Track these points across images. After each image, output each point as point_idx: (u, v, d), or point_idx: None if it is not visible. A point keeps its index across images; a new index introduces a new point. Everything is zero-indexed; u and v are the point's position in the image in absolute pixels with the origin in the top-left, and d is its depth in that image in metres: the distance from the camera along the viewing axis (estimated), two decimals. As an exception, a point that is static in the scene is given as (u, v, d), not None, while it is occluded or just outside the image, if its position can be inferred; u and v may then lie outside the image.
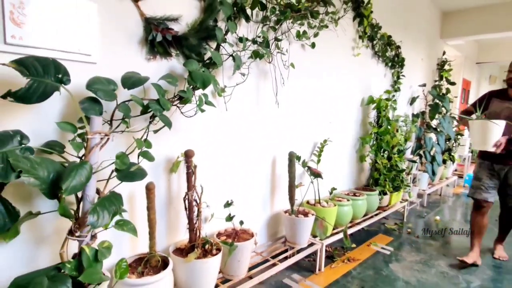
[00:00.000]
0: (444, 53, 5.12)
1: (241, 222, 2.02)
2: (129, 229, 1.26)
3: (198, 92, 1.71)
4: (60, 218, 1.29)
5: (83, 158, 1.19)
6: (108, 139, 1.22)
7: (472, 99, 7.48)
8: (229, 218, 1.94)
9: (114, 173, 1.27)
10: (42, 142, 1.24)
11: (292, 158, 2.32)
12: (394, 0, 3.70)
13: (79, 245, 1.18)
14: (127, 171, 1.29)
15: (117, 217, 1.25)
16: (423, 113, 4.46)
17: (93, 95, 1.24)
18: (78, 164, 1.08)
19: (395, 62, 3.78)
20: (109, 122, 1.34)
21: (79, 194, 1.20)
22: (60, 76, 1.12)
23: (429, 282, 2.30)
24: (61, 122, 1.16)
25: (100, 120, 1.21)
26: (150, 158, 1.42)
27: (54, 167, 1.09)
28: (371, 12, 3.08)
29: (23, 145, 1.10)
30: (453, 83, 4.84)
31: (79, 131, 1.21)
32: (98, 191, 1.24)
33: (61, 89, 1.13)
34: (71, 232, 1.16)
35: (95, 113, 1.24)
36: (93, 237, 1.23)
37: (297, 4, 2.20)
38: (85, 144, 1.19)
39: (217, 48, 1.80)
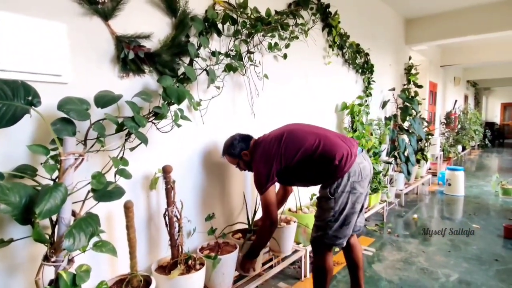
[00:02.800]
0: (410, 58, 5.38)
1: (224, 235, 2.01)
2: (108, 250, 1.23)
3: (174, 107, 1.72)
4: (35, 244, 1.25)
5: (57, 180, 1.16)
6: (82, 159, 1.20)
7: (439, 100, 7.87)
8: (211, 231, 1.94)
9: (91, 194, 1.25)
10: (13, 166, 1.21)
11: (271, 167, 2.34)
12: (360, 10, 3.88)
13: (55, 270, 1.14)
14: (104, 191, 1.27)
15: (95, 239, 1.22)
16: (395, 116, 4.65)
17: (65, 115, 1.22)
18: (52, 187, 1.06)
19: (365, 69, 3.94)
20: (83, 142, 1.32)
21: (54, 218, 1.17)
22: (30, 98, 1.11)
23: (410, 279, 2.37)
24: (32, 145, 1.14)
25: (74, 141, 1.19)
26: (127, 176, 1.41)
27: (26, 192, 1.06)
28: (339, 22, 3.21)
29: (-8, 171, 1.07)
30: (420, 86, 5.09)
31: (52, 153, 1.19)
32: (74, 213, 1.22)
33: (32, 112, 1.12)
34: (46, 258, 1.12)
35: (68, 133, 1.22)
36: (70, 261, 1.19)
37: (267, 17, 2.27)
38: (58, 166, 1.17)
39: (191, 63, 1.83)
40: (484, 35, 4.79)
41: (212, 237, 2.00)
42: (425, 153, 5.19)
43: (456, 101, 8.90)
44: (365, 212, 3.49)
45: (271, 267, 2.25)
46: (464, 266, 2.59)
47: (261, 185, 1.77)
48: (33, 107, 1.12)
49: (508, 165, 8.09)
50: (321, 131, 1.87)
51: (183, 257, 1.67)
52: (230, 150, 1.92)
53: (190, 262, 1.68)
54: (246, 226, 2.25)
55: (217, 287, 1.84)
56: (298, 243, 2.50)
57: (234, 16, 2.08)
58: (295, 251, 2.41)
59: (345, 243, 1.80)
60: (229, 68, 2.01)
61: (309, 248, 2.46)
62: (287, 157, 1.76)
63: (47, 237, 1.15)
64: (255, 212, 2.29)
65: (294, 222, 2.39)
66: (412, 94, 4.96)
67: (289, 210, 2.66)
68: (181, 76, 1.77)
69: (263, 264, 2.24)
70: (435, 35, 5.17)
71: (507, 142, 14.40)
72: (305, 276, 2.39)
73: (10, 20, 1.19)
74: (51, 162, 1.19)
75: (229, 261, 1.84)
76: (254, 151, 1.88)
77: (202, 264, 1.69)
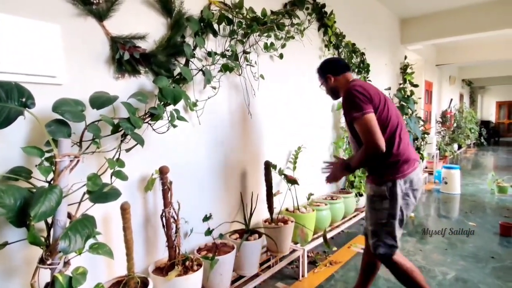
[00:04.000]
0: (405, 57, 5.41)
1: (221, 235, 2.01)
2: (105, 252, 1.22)
3: (170, 108, 1.71)
4: (30, 246, 1.24)
5: (52, 182, 1.15)
6: (78, 161, 1.19)
7: (435, 99, 7.91)
8: (209, 232, 1.93)
9: (86, 196, 1.24)
10: (7, 168, 1.19)
11: (268, 167, 2.35)
12: (355, 10, 3.89)
13: (51, 273, 1.13)
14: (100, 192, 1.26)
15: (91, 241, 1.22)
16: (391, 115, 4.66)
17: (60, 117, 1.21)
18: (47, 189, 1.05)
19: (361, 68, 3.95)
20: (78, 144, 1.31)
21: (50, 220, 1.16)
22: (24, 100, 1.10)
23: (408, 278, 2.38)
24: (26, 146, 1.13)
25: (69, 142, 1.18)
26: (123, 177, 1.40)
27: (21, 194, 1.05)
28: (335, 22, 3.22)
29: (-14, 174, 1.06)
30: (416, 85, 5.11)
31: (47, 155, 1.18)
32: (70, 215, 1.21)
33: (26, 113, 1.11)
34: (42, 261, 1.11)
35: (63, 135, 1.21)
36: (66, 263, 1.18)
37: (263, 18, 2.27)
38: (53, 168, 1.16)
39: (187, 63, 1.82)
40: (479, 34, 4.83)
41: (210, 237, 2.00)
42: (421, 152, 5.21)
43: (451, 100, 8.95)
44: (362, 211, 3.50)
45: (269, 267, 2.25)
46: (461, 264, 2.60)
47: (357, 107, 1.57)
48: (27, 108, 1.11)
49: (504, 163, 8.15)
50: (403, 126, 1.74)
51: (180, 258, 1.67)
52: (320, 70, 1.93)
53: (187, 263, 1.68)
54: (244, 227, 2.25)
55: (215, 287, 1.83)
56: (295, 243, 2.50)
57: (230, 16, 2.07)
58: (293, 251, 2.41)
59: (398, 246, 1.69)
60: (225, 68, 2.01)
61: (307, 247, 2.47)
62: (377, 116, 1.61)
63: (43, 239, 1.14)
64: (251, 214, 2.29)
65: (292, 222, 2.39)
66: (408, 93, 4.98)
67: (287, 210, 2.66)
68: (177, 77, 1.77)
69: (261, 264, 2.24)
70: (431, 34, 5.21)
71: (503, 140, 14.50)
72: (303, 275, 2.39)
73: (3, 21, 1.18)
74: (46, 164, 1.18)
75: (226, 262, 1.83)
76: (345, 82, 1.79)
77: (199, 265, 1.69)
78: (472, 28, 4.80)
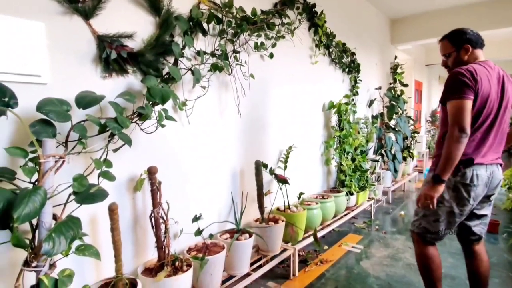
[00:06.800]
0: (395, 57, 5.47)
1: (211, 236, 2.00)
2: (91, 253, 1.21)
3: (158, 107, 1.70)
4: (14, 249, 1.22)
5: (36, 183, 1.13)
6: (63, 161, 1.17)
7: (424, 99, 8.01)
8: (198, 232, 1.92)
9: (72, 197, 1.22)
10: (-11, 170, 1.17)
11: (259, 166, 2.35)
12: (345, 10, 3.92)
13: (36, 276, 1.11)
14: (86, 193, 1.25)
15: (77, 242, 1.20)
16: (381, 114, 4.71)
17: (44, 117, 1.19)
18: (31, 190, 1.03)
19: (352, 68, 3.98)
20: (64, 144, 1.29)
21: (34, 222, 1.14)
22: (6, 99, 1.08)
23: (397, 275, 2.41)
24: (10, 147, 1.11)
25: (54, 143, 1.17)
26: (111, 178, 1.38)
27: (4, 195, 1.03)
28: (325, 22, 3.24)
29: (-33, 175, 1.04)
30: (405, 85, 5.17)
31: (31, 155, 1.16)
32: (55, 217, 1.19)
33: (8, 113, 1.08)
34: (27, 263, 1.10)
35: (48, 135, 1.19)
36: (52, 266, 1.17)
37: (252, 17, 2.27)
38: (38, 169, 1.14)
39: (175, 63, 1.81)
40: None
41: (200, 238, 1.99)
42: (411, 151, 5.28)
43: (441, 99, 9.06)
44: (353, 210, 3.53)
45: (260, 266, 2.25)
46: (449, 261, 2.64)
47: (457, 90, 1.52)
48: (9, 108, 1.09)
49: (492, 161, 8.28)
50: (497, 125, 1.65)
51: (170, 259, 1.66)
52: (455, 36, 1.69)
53: (177, 263, 1.67)
54: (234, 227, 2.24)
55: (205, 287, 1.83)
56: (286, 242, 2.51)
57: (219, 15, 2.07)
58: (284, 250, 2.41)
59: (437, 241, 1.77)
60: (214, 68, 2.00)
61: (298, 246, 2.48)
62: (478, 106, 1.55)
63: (27, 241, 1.12)
64: (241, 214, 2.28)
65: (283, 221, 2.39)
66: (398, 92, 5.04)
67: (278, 209, 2.66)
68: (165, 76, 1.76)
69: (252, 263, 2.24)
70: (421, 34, 5.27)
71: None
72: (293, 274, 2.40)
73: (-15, 19, 1.16)
74: (30, 164, 1.16)
75: (217, 262, 1.83)
76: (473, 59, 1.67)
77: (189, 266, 1.68)
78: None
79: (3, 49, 1.20)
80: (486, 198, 1.72)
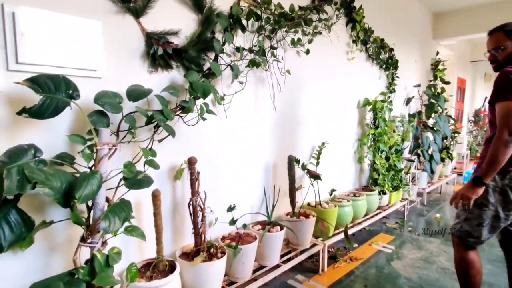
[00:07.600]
0: (437, 53, 5.21)
1: (244, 226, 2.07)
2: (138, 234, 1.32)
3: (199, 101, 1.78)
4: (72, 226, 1.36)
5: (92, 168, 1.25)
6: (115, 149, 1.28)
7: (467, 97, 7.57)
8: (233, 222, 2.00)
9: (122, 182, 1.34)
10: (53, 154, 1.30)
11: (292, 161, 2.38)
12: (384, 5, 3.80)
13: (91, 251, 1.24)
14: (134, 179, 1.35)
15: (126, 224, 1.31)
16: (419, 112, 4.54)
17: (100, 108, 1.31)
18: (89, 174, 1.15)
19: (389, 64, 3.87)
20: (115, 133, 1.41)
21: (90, 203, 1.27)
22: (70, 92, 1.20)
23: (430, 278, 2.35)
24: (71, 134, 1.23)
25: (108, 132, 1.28)
26: (155, 166, 1.49)
27: (66, 178, 1.16)
28: (363, 17, 3.17)
29: (37, 158, 1.17)
30: (447, 82, 4.92)
31: (88, 143, 1.28)
32: (107, 199, 1.31)
33: (72, 104, 1.21)
34: (83, 239, 1.22)
35: (103, 125, 1.31)
36: (104, 243, 1.29)
37: (290, 13, 2.29)
38: (94, 155, 1.26)
39: (216, 58, 1.88)
40: (519, 29, 4.56)
41: (234, 227, 2.07)
42: (450, 152, 5.04)
43: (486, 98, 8.51)
44: (385, 210, 3.46)
45: (289, 259, 2.30)
46: (487, 267, 2.53)
47: (507, 91, 1.47)
48: (73, 100, 1.21)
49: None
50: None
51: (205, 245, 1.75)
52: (510, 28, 1.61)
53: (212, 250, 1.76)
54: (266, 219, 2.30)
55: (237, 275, 1.91)
56: (316, 237, 2.53)
57: (258, 12, 2.11)
58: (314, 245, 2.44)
59: (478, 245, 1.69)
60: (252, 64, 2.05)
61: (327, 242, 2.49)
62: None
63: (84, 220, 1.24)
64: (273, 206, 2.34)
65: (313, 216, 2.42)
66: (439, 90, 4.81)
67: (308, 204, 2.69)
68: (206, 71, 1.83)
69: (282, 256, 2.29)
70: (466, 29, 4.99)
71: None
72: (322, 269, 2.42)
73: (51, 18, 1.28)
74: (88, 151, 1.28)
75: (249, 251, 1.90)
76: None
77: (223, 253, 1.76)
78: (511, 22, 4.54)
79: (66, 45, 1.33)
80: None
